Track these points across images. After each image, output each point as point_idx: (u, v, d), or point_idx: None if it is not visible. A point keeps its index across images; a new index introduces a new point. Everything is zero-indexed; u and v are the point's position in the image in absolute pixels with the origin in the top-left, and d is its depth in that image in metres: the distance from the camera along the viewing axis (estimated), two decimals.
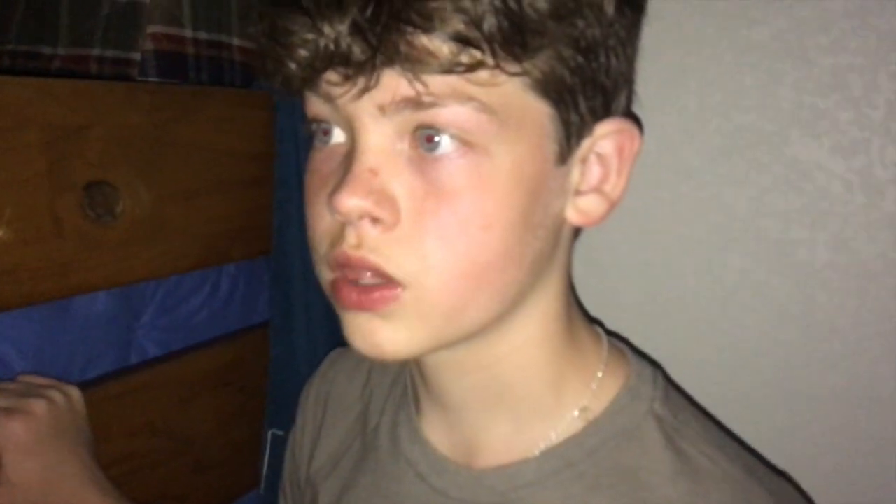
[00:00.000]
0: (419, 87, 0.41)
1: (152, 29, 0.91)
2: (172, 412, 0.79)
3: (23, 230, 0.61)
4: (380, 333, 0.44)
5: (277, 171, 0.86)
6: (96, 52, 0.92)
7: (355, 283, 0.44)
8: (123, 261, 0.71)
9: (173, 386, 0.79)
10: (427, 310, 0.44)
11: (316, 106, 0.46)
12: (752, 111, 0.84)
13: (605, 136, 0.46)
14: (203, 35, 0.95)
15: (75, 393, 0.64)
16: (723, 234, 0.87)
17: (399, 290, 0.43)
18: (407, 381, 0.58)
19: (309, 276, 0.86)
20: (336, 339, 0.86)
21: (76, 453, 0.63)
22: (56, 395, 0.62)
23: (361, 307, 0.44)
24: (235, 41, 1.00)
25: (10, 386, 0.63)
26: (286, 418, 0.88)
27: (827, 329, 0.83)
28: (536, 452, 0.50)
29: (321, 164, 0.46)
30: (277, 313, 0.88)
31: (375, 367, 0.63)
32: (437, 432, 0.54)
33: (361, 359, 0.64)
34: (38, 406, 0.61)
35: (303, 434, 0.66)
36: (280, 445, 0.88)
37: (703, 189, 0.85)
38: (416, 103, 0.42)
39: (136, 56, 0.91)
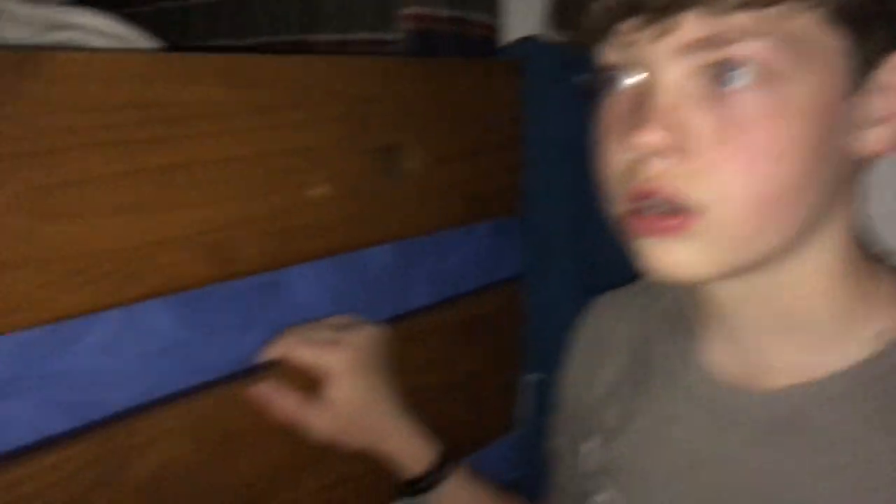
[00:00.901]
0: (717, 26, 0.45)
1: (408, 10, 1.00)
2: (442, 356, 0.88)
3: (334, 188, 0.71)
4: (675, 256, 0.48)
5: (528, 134, 0.92)
6: (358, 35, 1.03)
7: (652, 212, 0.48)
8: (407, 216, 0.80)
9: (442, 332, 0.88)
10: (721, 236, 0.47)
11: (610, 54, 0.50)
12: None
13: None
14: (448, 13, 1.03)
15: (383, 330, 0.74)
16: None
17: (695, 218, 0.47)
18: (681, 313, 0.61)
19: (560, 232, 0.92)
20: (588, 289, 0.91)
21: (386, 381, 0.73)
22: (370, 331, 0.72)
23: (659, 233, 0.48)
24: (475, 16, 1.07)
25: (332, 323, 0.73)
26: (542, 364, 0.95)
27: None
28: (826, 374, 0.51)
29: (612, 107, 0.51)
30: (532, 267, 0.94)
31: (648, 306, 0.67)
32: (717, 359, 0.57)
33: (629, 300, 0.70)
34: (358, 338, 0.71)
35: (575, 373, 0.72)
36: (536, 389, 0.95)
37: None
38: (713, 42, 0.45)
39: (396, 36, 1.00)
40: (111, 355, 0.62)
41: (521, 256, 0.97)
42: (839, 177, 0.49)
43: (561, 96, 0.91)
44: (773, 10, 0.44)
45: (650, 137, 0.46)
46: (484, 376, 0.93)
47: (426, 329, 0.86)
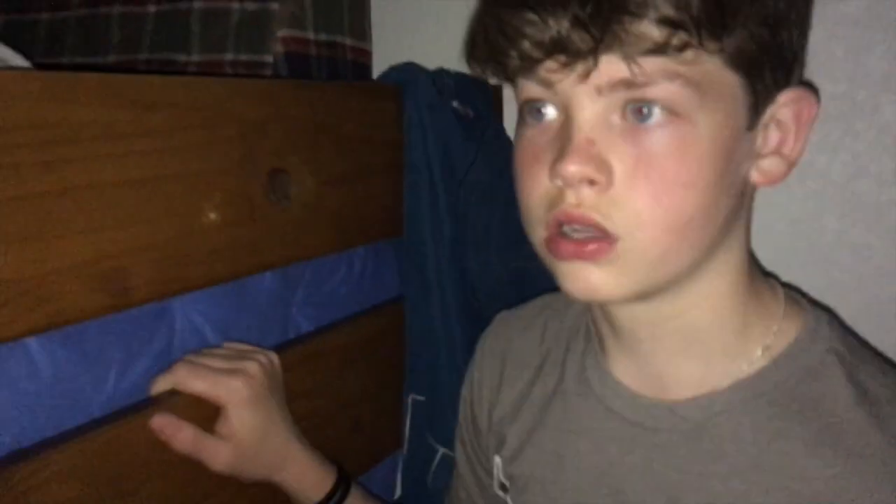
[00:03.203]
0: (635, 69, 0.48)
1: (281, 33, 0.99)
2: (327, 380, 0.87)
3: (227, 213, 0.69)
4: (594, 278, 0.51)
5: (407, 157, 0.94)
6: (229, 56, 1.01)
7: (574, 237, 0.51)
8: (295, 241, 0.79)
9: (326, 357, 0.87)
10: (637, 259, 0.51)
11: (531, 89, 0.53)
12: (844, 81, 0.91)
13: (786, 104, 0.53)
14: (322, 37, 1.03)
15: (275, 357, 0.73)
16: (819, 198, 0.94)
17: (612, 243, 0.51)
18: (590, 330, 0.65)
19: (441, 254, 0.94)
20: (467, 312, 0.93)
21: (282, 407, 0.72)
22: (263, 358, 0.71)
23: (579, 257, 0.51)
24: (348, 41, 1.08)
25: (224, 351, 0.71)
26: (423, 384, 0.96)
27: None
28: (726, 385, 0.56)
29: (534, 138, 0.54)
30: (412, 289, 0.95)
31: (549, 324, 0.70)
32: (626, 374, 0.61)
33: (528, 319, 0.72)
34: (253, 367, 0.69)
35: (481, 387, 0.74)
36: (418, 409, 0.96)
37: None
38: (630, 83, 0.49)
39: (269, 58, 0.99)
40: None
41: (401, 279, 0.98)
42: (738, 204, 0.54)
43: (439, 120, 0.93)
44: (679, 57, 0.48)
45: (574, 168, 0.49)
46: (368, 399, 0.93)
47: (309, 355, 0.85)
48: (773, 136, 0.54)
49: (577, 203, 0.50)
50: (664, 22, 0.47)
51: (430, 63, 0.98)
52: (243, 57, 1.00)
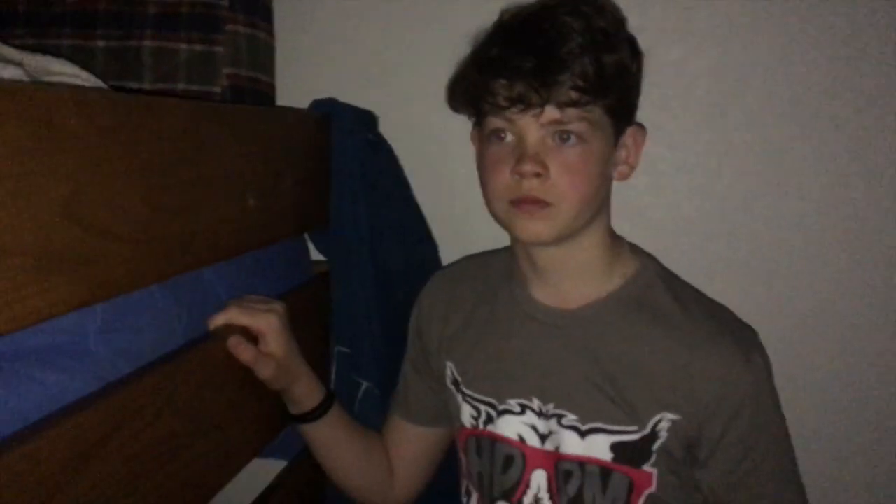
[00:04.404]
0: (563, 115, 0.87)
1: (226, 70, 1.27)
2: None
3: (256, 202, 0.98)
4: (538, 228, 0.89)
5: (333, 167, 1.26)
6: (181, 86, 1.26)
7: (526, 206, 0.88)
8: (278, 225, 1.09)
9: None
10: (561, 217, 0.88)
11: (497, 123, 0.89)
12: None
13: (631, 135, 0.95)
14: (250, 73, 1.32)
15: (284, 305, 1.02)
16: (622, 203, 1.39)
17: (549, 208, 0.88)
18: (511, 272, 1.02)
19: (359, 240, 1.26)
20: (379, 285, 1.27)
21: (294, 338, 1.01)
22: (281, 303, 1.00)
23: (530, 216, 0.88)
24: (263, 77, 1.37)
25: (253, 299, 0.99)
26: (346, 339, 1.27)
27: (701, 257, 1.39)
28: (600, 297, 0.96)
29: (498, 152, 0.90)
30: (337, 267, 1.27)
31: (478, 274, 1.07)
32: (541, 294, 0.98)
33: (460, 274, 1.09)
34: (278, 308, 0.98)
35: (430, 320, 1.09)
36: (342, 357, 1.28)
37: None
38: (559, 122, 0.87)
39: (217, 89, 1.26)
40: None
41: (328, 260, 1.30)
42: (607, 190, 0.95)
43: (355, 140, 1.26)
44: (584, 108, 0.87)
45: (528, 167, 0.87)
46: (306, 349, 1.23)
47: None
48: (623, 153, 0.95)
49: (529, 188, 0.88)
50: (577, 89, 0.86)
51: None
52: (194, 87, 1.26)
